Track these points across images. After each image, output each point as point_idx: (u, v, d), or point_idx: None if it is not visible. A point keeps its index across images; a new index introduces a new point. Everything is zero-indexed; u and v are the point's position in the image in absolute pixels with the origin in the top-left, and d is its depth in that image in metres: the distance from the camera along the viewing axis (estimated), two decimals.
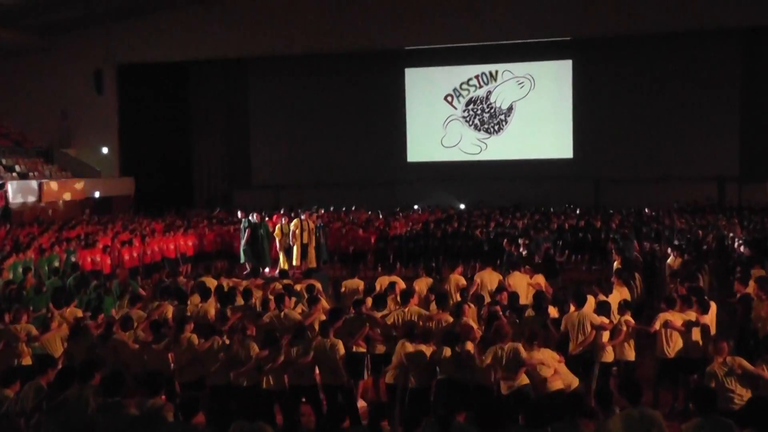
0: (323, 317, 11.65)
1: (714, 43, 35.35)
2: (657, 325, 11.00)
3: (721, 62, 35.60)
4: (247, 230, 22.40)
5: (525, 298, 13.14)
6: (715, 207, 31.22)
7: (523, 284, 14.06)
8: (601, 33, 34.90)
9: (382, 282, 14.29)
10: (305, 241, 21.71)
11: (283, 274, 16.45)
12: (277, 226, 22.31)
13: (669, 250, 17.73)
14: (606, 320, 11.06)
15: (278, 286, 14.08)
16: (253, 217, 22.81)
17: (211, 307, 12.80)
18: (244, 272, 20.72)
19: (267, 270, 21.59)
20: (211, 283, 14.39)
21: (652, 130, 36.12)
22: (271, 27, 35.94)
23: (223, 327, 11.22)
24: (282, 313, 11.94)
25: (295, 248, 21.79)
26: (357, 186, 37.60)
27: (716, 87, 35.46)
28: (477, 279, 14.71)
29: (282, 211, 24.09)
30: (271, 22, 35.92)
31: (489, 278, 14.57)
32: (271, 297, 12.93)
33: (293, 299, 12.70)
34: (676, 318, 11.02)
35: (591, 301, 11.80)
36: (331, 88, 39.36)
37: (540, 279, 14.59)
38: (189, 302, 13.09)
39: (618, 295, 12.65)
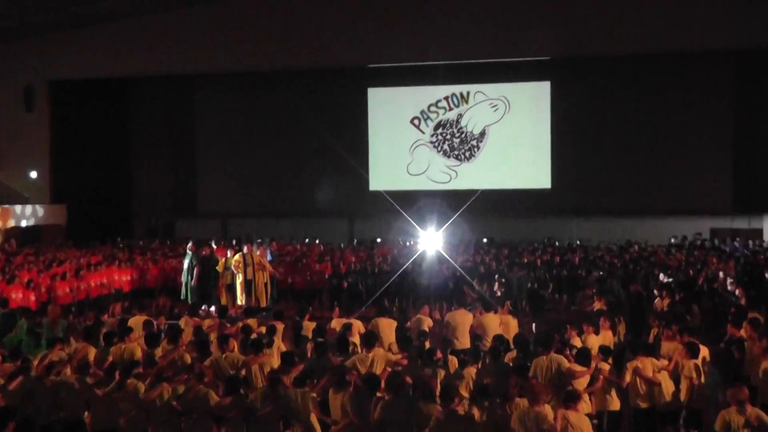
0: (275, 362, 11.63)
1: (705, 65, 35.54)
2: (628, 378, 11.06)
3: (713, 86, 35.70)
4: (196, 266, 22.29)
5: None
6: (705, 243, 31.34)
7: (495, 326, 14.07)
8: (582, 53, 34.95)
9: (338, 324, 14.29)
10: (249, 276, 21.57)
11: (249, 312, 16.42)
12: (221, 261, 22.20)
13: (655, 291, 17.87)
14: (578, 367, 11.06)
15: (239, 325, 14.11)
16: (205, 250, 22.79)
17: (138, 349, 12.71)
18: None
19: (213, 308, 21.46)
20: (139, 320, 14.39)
21: (638, 159, 36.29)
22: (220, 41, 35.82)
23: (151, 370, 11.20)
24: (224, 356, 11.92)
25: (238, 285, 21.66)
26: (313, 216, 37.52)
27: (708, 113, 35.66)
28: (448, 320, 14.70)
29: (223, 244, 23.95)
30: (220, 35, 35.80)
31: (461, 320, 14.57)
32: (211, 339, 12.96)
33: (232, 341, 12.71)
34: (647, 365, 11.08)
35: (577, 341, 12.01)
36: (285, 109, 39.26)
37: (512, 321, 14.61)
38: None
39: (600, 339, 12.72)
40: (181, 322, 14.77)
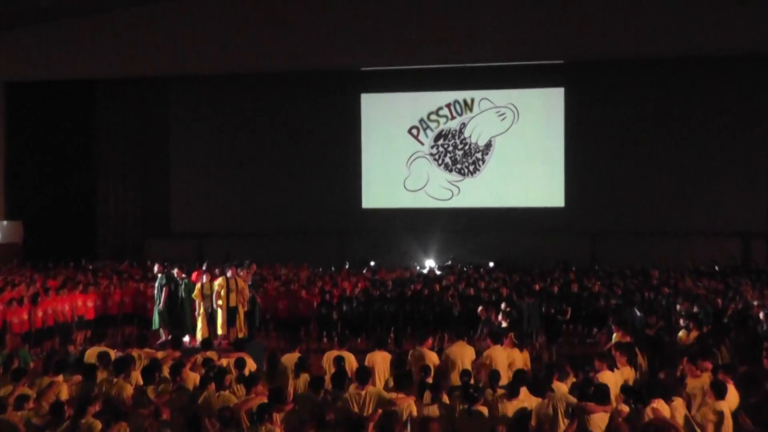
0: (266, 400, 11.52)
1: (737, 69, 35.40)
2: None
3: (746, 93, 35.52)
4: (164, 289, 21.99)
5: (505, 377, 13.03)
6: (738, 269, 31.13)
7: (503, 360, 13.99)
8: (599, 56, 34.90)
9: (329, 357, 14.20)
10: (233, 304, 21.35)
11: (207, 344, 16.21)
12: (197, 286, 21.96)
13: (681, 322, 17.76)
14: (590, 404, 10.86)
15: (199, 359, 13.96)
16: (173, 273, 22.41)
17: (129, 386, 12.58)
18: (158, 341, 20.42)
19: (187, 339, 21.26)
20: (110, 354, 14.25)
21: (662, 175, 36.28)
22: (199, 40, 35.63)
23: (144, 411, 11.06)
24: (218, 394, 11.77)
25: (220, 313, 21.44)
26: (300, 237, 37.39)
27: (741, 122, 35.54)
28: (447, 353, 14.61)
29: (204, 267, 23.66)
30: (199, 34, 35.64)
31: (460, 353, 14.48)
32: (189, 373, 12.82)
33: (228, 377, 12.59)
34: (663, 407, 10.97)
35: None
36: (270, 117, 39.31)
37: (517, 355, 14.53)
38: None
39: (618, 375, 12.64)
40: (134, 354, 14.60)
